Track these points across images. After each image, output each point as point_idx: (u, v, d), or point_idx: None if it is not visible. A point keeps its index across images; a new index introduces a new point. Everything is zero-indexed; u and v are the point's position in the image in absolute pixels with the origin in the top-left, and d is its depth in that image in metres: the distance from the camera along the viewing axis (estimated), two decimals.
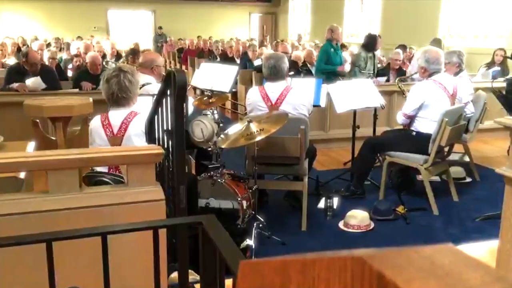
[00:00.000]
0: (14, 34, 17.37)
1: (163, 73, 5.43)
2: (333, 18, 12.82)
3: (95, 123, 3.80)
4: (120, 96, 3.76)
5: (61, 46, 14.22)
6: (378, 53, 10.01)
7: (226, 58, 12.34)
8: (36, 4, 20.65)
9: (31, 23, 20.43)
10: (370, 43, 8.93)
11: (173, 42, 18.70)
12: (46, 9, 20.76)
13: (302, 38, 17.89)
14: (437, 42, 8.99)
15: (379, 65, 9.65)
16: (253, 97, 5.02)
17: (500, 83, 7.46)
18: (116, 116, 3.76)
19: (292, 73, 9.23)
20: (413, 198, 5.62)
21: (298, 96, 4.97)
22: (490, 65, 9.30)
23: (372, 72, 8.58)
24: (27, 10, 20.69)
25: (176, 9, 22.24)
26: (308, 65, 9.66)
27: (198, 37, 18.18)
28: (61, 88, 7.74)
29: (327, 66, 8.63)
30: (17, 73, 7.14)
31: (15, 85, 6.69)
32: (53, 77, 7.85)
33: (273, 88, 4.96)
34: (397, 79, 6.55)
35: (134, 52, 8.83)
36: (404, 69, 9.10)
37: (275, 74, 4.97)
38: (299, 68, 9.42)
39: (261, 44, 17.35)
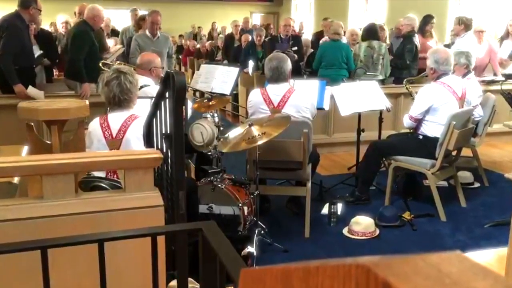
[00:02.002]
0: None
1: (162, 75, 5.46)
2: (337, 18, 12.81)
3: (94, 125, 3.82)
4: (122, 98, 3.78)
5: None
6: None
7: (230, 44, 12.29)
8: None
9: None
10: (376, 31, 8.65)
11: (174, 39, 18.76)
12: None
13: (303, 27, 17.80)
14: None
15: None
16: (255, 100, 5.02)
17: (510, 85, 7.46)
18: (115, 118, 3.77)
19: (295, 48, 9.16)
20: (419, 203, 5.62)
21: (301, 98, 4.96)
22: (504, 38, 9.20)
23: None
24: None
25: (175, 8, 22.24)
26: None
27: (199, 27, 17.93)
28: (59, 59, 7.75)
29: None
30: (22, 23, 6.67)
31: (16, 86, 6.58)
32: (53, 44, 7.85)
33: (275, 91, 4.96)
34: (405, 80, 6.54)
35: (141, 18, 8.78)
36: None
37: (278, 76, 4.97)
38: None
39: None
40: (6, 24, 6.52)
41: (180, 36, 19.71)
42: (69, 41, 7.11)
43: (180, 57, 16.92)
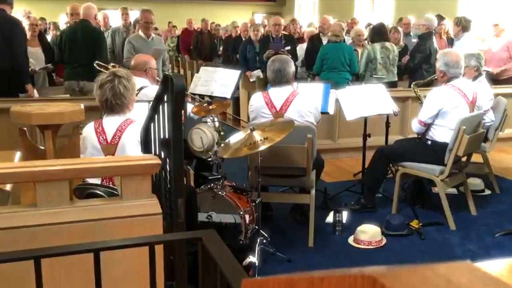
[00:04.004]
0: None
1: (157, 77, 5.48)
2: (342, 18, 12.84)
3: (88, 129, 3.82)
4: (114, 102, 3.77)
5: (46, 27, 14.06)
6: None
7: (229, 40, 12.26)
8: (25, 4, 20.74)
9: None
10: (386, 32, 8.61)
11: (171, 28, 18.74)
12: (36, 9, 20.82)
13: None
14: None
15: None
16: (257, 103, 5.02)
17: None
18: (110, 123, 3.78)
19: (288, 48, 9.10)
20: (428, 211, 5.61)
21: (305, 102, 4.96)
22: None
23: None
24: (16, 10, 20.75)
25: (174, 9, 22.25)
26: None
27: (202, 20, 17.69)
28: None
29: None
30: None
31: (29, 85, 6.73)
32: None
33: (278, 94, 4.96)
34: (413, 83, 6.53)
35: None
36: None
37: (280, 79, 4.96)
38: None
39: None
40: (13, 20, 6.60)
41: (174, 27, 19.59)
42: (92, 43, 7.14)
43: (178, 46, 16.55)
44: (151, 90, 4.74)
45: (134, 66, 5.39)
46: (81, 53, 7.23)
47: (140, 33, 7.62)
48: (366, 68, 8.24)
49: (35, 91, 6.98)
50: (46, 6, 18.21)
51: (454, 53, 5.48)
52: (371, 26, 9.49)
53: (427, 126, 5.39)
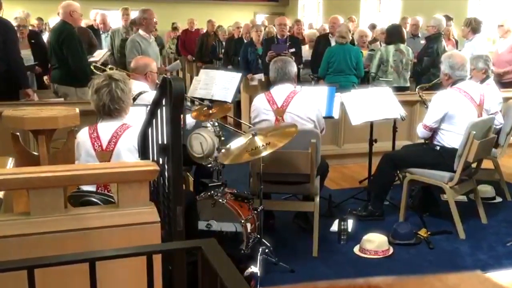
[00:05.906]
0: None
1: (157, 81, 5.45)
2: (346, 19, 12.85)
3: (82, 135, 3.80)
4: (112, 107, 3.76)
5: (42, 28, 14.07)
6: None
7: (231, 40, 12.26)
8: (17, 4, 20.77)
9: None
10: (401, 33, 8.54)
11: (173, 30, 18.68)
12: (34, 9, 20.84)
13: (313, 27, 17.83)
14: None
15: None
16: (258, 104, 5.08)
17: None
18: (106, 128, 3.76)
19: (293, 50, 9.07)
20: (436, 220, 5.61)
21: (306, 99, 5.03)
22: None
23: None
24: (7, 13, 20.76)
25: (173, 9, 22.26)
26: None
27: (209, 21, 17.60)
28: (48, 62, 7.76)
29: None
30: None
31: (30, 91, 6.77)
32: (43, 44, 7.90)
33: (279, 91, 5.04)
34: (418, 87, 6.53)
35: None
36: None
37: (282, 76, 5.05)
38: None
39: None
40: (5, 22, 6.61)
41: (174, 24, 19.54)
42: (56, 45, 7.09)
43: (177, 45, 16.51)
44: (151, 95, 4.73)
45: (133, 68, 5.34)
46: (53, 55, 7.26)
47: (142, 33, 7.45)
48: (377, 71, 8.21)
49: (35, 94, 7.01)
50: (45, 6, 18.24)
51: (459, 55, 5.48)
52: (385, 27, 9.45)
53: (433, 131, 5.38)
